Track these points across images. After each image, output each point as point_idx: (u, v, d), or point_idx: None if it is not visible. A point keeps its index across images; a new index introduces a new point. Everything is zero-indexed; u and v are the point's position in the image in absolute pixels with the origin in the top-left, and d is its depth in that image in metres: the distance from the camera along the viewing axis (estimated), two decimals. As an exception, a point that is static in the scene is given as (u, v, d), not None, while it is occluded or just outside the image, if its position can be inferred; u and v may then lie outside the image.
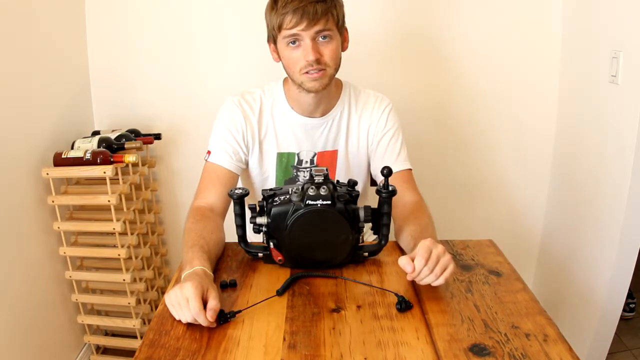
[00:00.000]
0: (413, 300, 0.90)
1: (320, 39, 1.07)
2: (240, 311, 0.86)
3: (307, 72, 1.08)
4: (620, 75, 1.40)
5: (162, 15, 1.74)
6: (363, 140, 1.25)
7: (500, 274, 0.99)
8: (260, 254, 1.03)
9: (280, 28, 1.07)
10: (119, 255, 1.56)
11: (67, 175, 1.55)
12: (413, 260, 0.86)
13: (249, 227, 1.00)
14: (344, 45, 1.15)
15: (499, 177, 1.91)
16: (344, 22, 1.13)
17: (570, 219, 1.74)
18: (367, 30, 1.71)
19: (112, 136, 1.62)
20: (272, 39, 1.13)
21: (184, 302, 0.80)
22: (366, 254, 1.02)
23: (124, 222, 1.56)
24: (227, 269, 1.02)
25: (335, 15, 1.07)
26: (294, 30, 1.05)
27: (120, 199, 1.53)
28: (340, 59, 1.13)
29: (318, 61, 1.07)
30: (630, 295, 1.95)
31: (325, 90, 1.13)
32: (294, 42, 1.08)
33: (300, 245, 0.96)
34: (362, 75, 1.45)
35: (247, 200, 1.00)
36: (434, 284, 0.88)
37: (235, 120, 1.19)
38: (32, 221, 1.51)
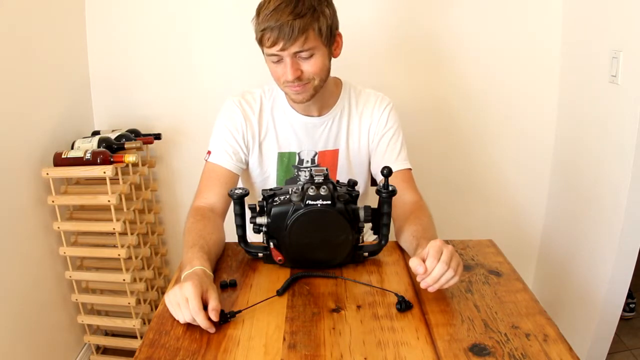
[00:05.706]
0: (413, 300, 0.90)
1: (302, 55, 1.04)
2: (240, 311, 0.86)
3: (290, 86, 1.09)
4: (620, 75, 1.40)
5: (162, 15, 1.74)
6: (364, 139, 1.24)
7: (500, 274, 0.99)
8: (260, 254, 1.03)
9: (261, 43, 1.06)
10: (119, 255, 1.56)
11: (67, 175, 1.55)
12: (424, 262, 0.85)
13: (249, 227, 1.00)
14: (334, 52, 1.12)
15: (499, 177, 1.91)
16: (332, 30, 1.07)
17: (570, 219, 1.74)
18: (368, 32, 1.71)
19: (112, 136, 1.62)
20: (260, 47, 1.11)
21: (184, 302, 0.80)
22: (366, 254, 1.03)
23: (124, 222, 1.56)
24: (227, 269, 1.02)
25: (317, 28, 1.02)
26: (272, 50, 1.04)
27: (120, 199, 1.53)
28: (329, 67, 1.11)
29: (299, 78, 1.06)
30: (630, 295, 1.95)
31: (317, 94, 1.13)
32: (275, 59, 1.06)
33: (300, 245, 0.96)
34: (362, 77, 1.45)
35: (247, 200, 1.00)
36: (448, 284, 0.86)
37: (235, 120, 1.19)
38: (32, 221, 1.51)
